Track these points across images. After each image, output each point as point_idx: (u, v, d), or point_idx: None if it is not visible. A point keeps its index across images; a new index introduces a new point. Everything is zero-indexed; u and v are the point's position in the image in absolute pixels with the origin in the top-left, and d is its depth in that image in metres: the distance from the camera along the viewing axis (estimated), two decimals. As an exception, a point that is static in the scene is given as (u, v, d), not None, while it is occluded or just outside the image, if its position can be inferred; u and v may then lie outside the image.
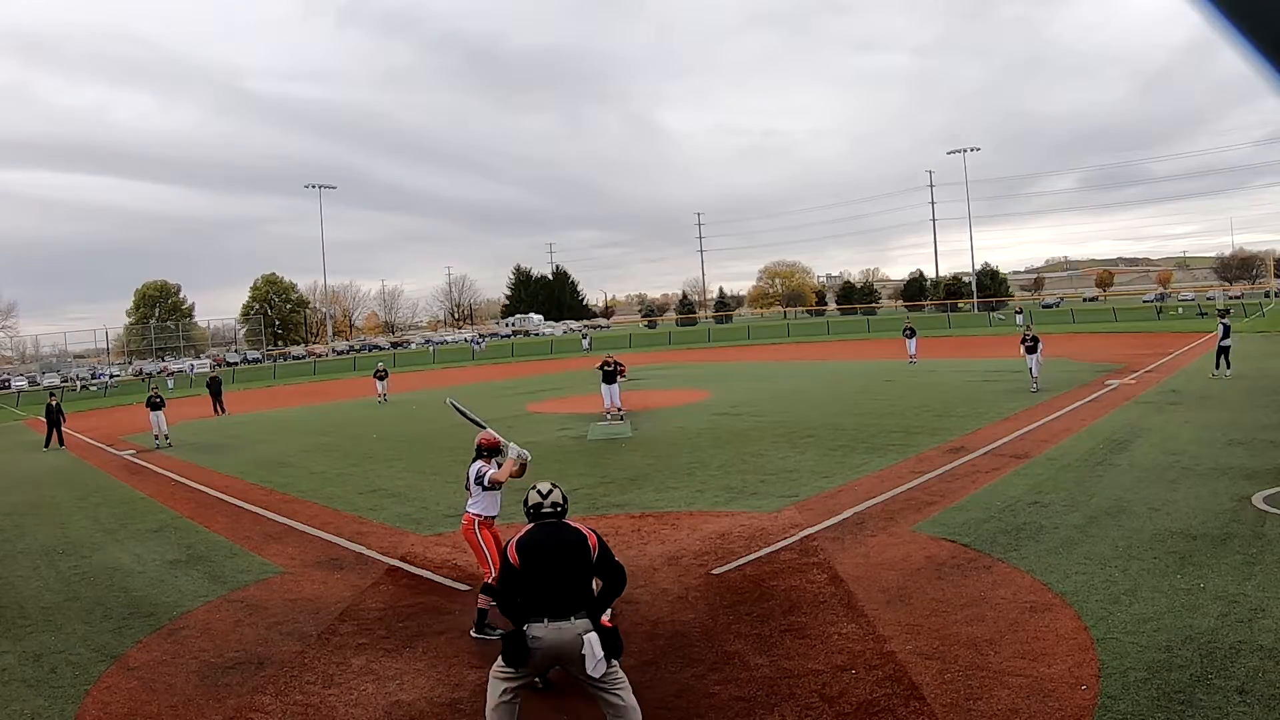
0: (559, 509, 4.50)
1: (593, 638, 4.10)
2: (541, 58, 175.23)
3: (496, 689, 4.24)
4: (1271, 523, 7.35)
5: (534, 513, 4.48)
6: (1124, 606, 5.69)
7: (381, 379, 28.41)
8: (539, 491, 4.53)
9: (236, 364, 74.57)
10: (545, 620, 4.15)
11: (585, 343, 57.23)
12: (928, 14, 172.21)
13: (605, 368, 18.19)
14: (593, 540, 4.38)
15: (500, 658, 4.27)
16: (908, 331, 29.06)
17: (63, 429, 22.12)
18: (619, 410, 17.95)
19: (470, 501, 6.38)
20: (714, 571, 7.20)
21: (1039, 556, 6.89)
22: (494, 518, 6.42)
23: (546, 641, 4.13)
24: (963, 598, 6.12)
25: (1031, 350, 18.40)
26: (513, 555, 4.32)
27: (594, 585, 4.41)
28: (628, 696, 4.16)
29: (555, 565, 4.25)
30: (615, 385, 18.10)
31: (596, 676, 4.10)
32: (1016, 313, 59.32)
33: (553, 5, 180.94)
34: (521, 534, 4.41)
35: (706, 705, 4.79)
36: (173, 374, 55.65)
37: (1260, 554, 6.53)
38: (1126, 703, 4.39)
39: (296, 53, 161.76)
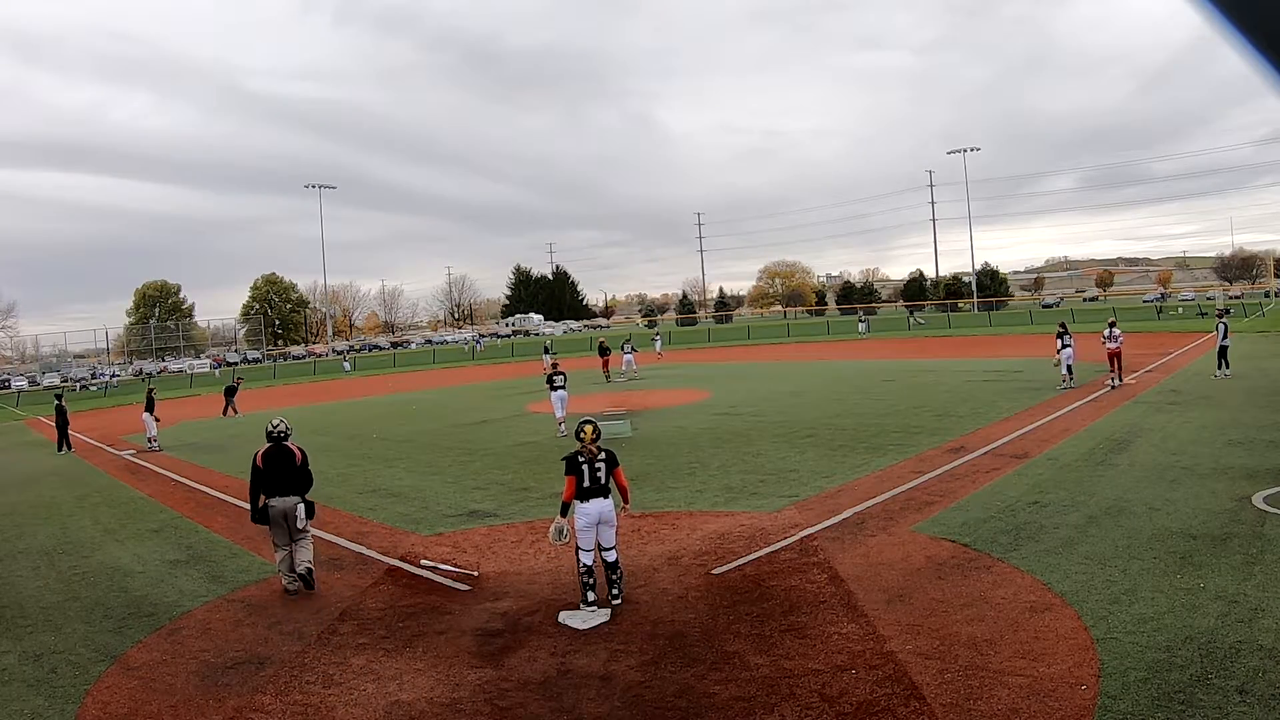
0: (282, 434, 7.60)
1: (301, 507, 7.41)
2: (540, 56, 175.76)
3: (280, 554, 7.41)
4: (1271, 523, 7.35)
5: (269, 435, 7.62)
6: (1124, 606, 5.69)
7: (548, 353, 35.89)
8: (271, 423, 7.70)
9: (236, 364, 74.57)
10: (277, 497, 7.40)
11: (657, 344, 44.12)
12: (929, 12, 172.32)
13: (557, 376, 16.96)
14: (299, 455, 7.56)
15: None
16: (626, 346, 31.37)
17: (68, 432, 21.36)
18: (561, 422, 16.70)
19: None
20: (714, 571, 7.20)
21: (1039, 556, 6.89)
22: None
23: (278, 508, 7.37)
24: (963, 598, 6.12)
25: None
26: (259, 462, 7.49)
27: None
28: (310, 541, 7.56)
29: (281, 468, 7.49)
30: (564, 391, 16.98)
31: (300, 528, 7.35)
32: (860, 322, 59.87)
33: (551, 3, 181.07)
34: (264, 449, 7.56)
35: (706, 705, 4.79)
36: (348, 354, 59.99)
37: (1260, 554, 6.53)
38: (1126, 703, 4.39)
39: (294, 52, 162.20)
